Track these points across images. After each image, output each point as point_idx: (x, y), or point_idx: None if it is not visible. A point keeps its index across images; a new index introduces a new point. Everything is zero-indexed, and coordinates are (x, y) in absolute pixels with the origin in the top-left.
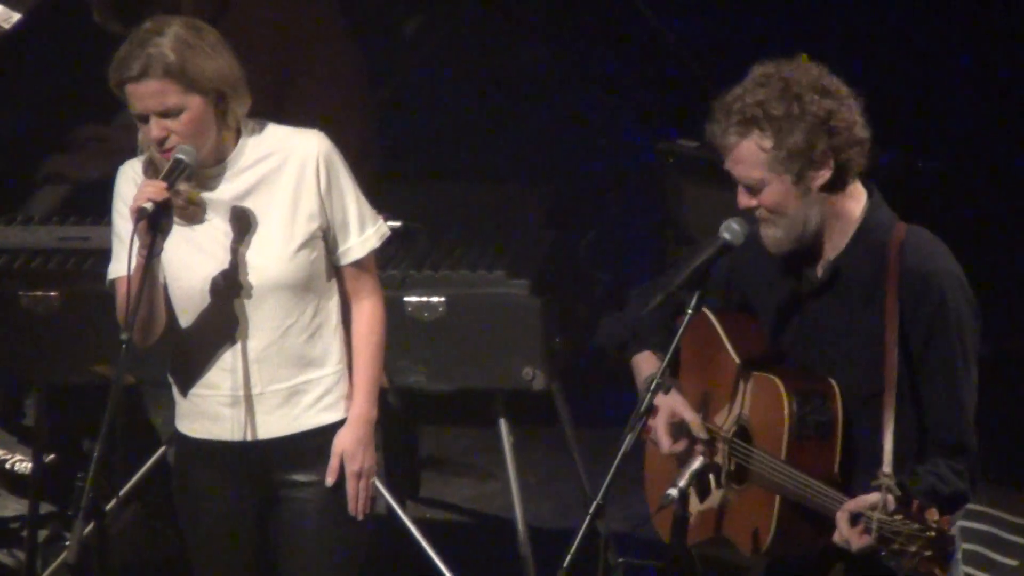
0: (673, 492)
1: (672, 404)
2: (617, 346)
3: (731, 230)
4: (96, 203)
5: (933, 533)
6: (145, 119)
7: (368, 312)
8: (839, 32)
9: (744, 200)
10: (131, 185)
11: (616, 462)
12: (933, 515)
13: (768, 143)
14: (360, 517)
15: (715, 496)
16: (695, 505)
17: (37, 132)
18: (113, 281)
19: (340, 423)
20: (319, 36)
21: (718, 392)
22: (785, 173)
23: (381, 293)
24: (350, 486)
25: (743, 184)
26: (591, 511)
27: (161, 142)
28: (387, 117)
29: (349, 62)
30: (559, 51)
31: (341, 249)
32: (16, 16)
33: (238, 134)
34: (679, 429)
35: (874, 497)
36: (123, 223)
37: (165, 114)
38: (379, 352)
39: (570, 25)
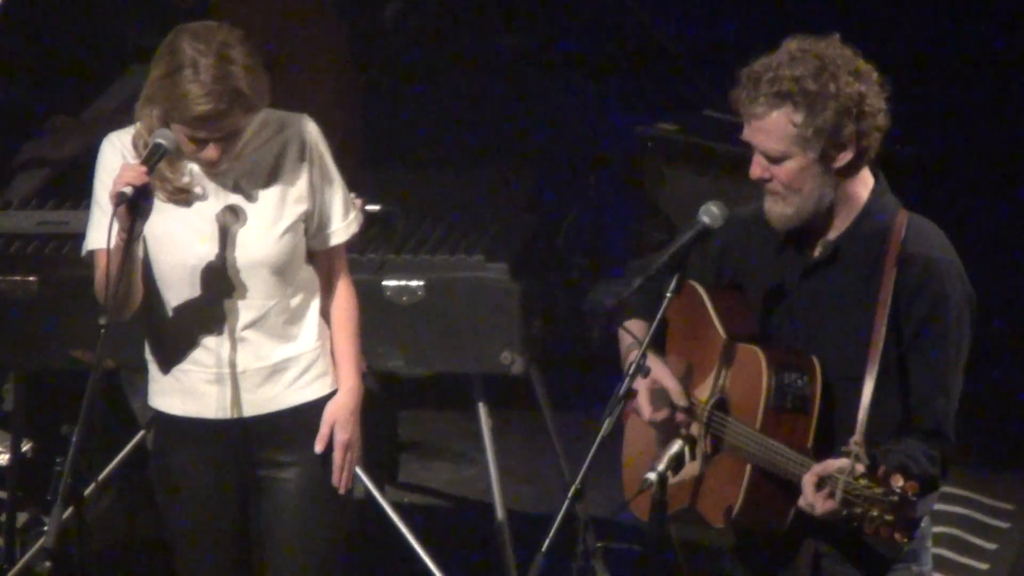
0: (652, 476)
1: (655, 373)
2: (605, 315)
3: (710, 213)
4: (75, 188)
5: (896, 498)
6: (203, 141)
7: (346, 291)
8: (816, 14)
9: (758, 171)
10: (117, 156)
11: (595, 446)
12: (898, 480)
13: (799, 118)
14: (343, 490)
15: (689, 469)
16: (670, 478)
17: (14, 116)
18: (92, 252)
19: (320, 400)
20: (305, 22)
21: (702, 366)
22: (809, 150)
23: (351, 276)
24: (337, 456)
25: (762, 153)
26: (570, 495)
27: (216, 162)
28: (367, 102)
29: (334, 48)
30: (538, 35)
31: (328, 231)
32: None
33: None
34: (660, 397)
35: (842, 461)
36: (104, 193)
37: (225, 137)
38: (360, 329)
39: (550, 9)
